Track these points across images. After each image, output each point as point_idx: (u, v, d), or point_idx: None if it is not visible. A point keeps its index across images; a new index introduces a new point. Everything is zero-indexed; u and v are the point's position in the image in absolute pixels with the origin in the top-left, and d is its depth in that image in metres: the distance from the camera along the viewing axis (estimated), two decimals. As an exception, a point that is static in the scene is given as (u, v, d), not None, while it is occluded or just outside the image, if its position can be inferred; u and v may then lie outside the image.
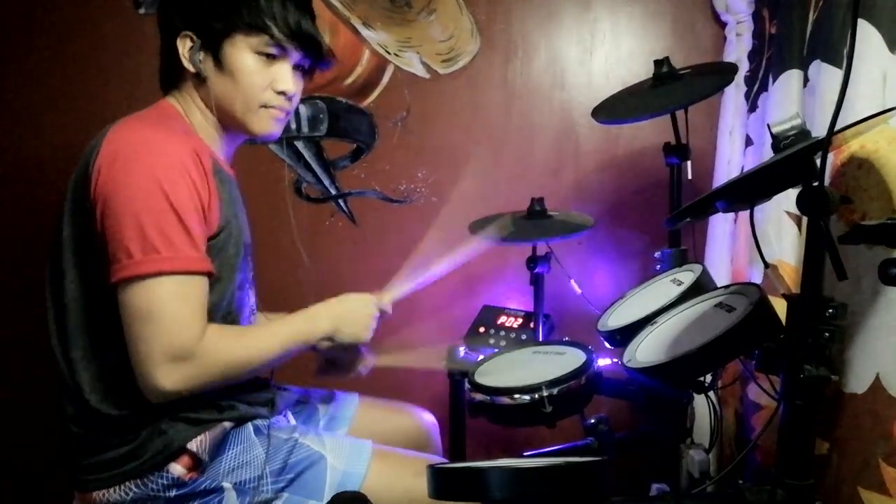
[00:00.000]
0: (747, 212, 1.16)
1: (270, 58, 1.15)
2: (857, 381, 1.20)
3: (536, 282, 1.65)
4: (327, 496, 1.12)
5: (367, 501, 1.00)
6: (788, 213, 1.47)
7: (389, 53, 2.03)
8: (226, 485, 1.11)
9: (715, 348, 0.99)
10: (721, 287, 1.25)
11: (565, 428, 1.28)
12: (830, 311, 0.96)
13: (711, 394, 1.34)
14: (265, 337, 1.14)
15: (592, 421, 1.35)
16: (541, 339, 1.64)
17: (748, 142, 1.77)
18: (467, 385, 1.31)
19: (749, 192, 1.08)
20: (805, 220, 1.01)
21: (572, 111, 2.03)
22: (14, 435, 2.01)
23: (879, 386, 1.15)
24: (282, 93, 1.17)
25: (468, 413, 1.31)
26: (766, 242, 1.47)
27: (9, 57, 1.99)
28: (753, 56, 1.81)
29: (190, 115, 1.18)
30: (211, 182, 1.10)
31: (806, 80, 1.48)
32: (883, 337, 1.16)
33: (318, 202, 2.06)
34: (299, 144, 2.04)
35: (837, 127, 0.88)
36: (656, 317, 1.24)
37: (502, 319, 1.80)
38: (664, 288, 1.39)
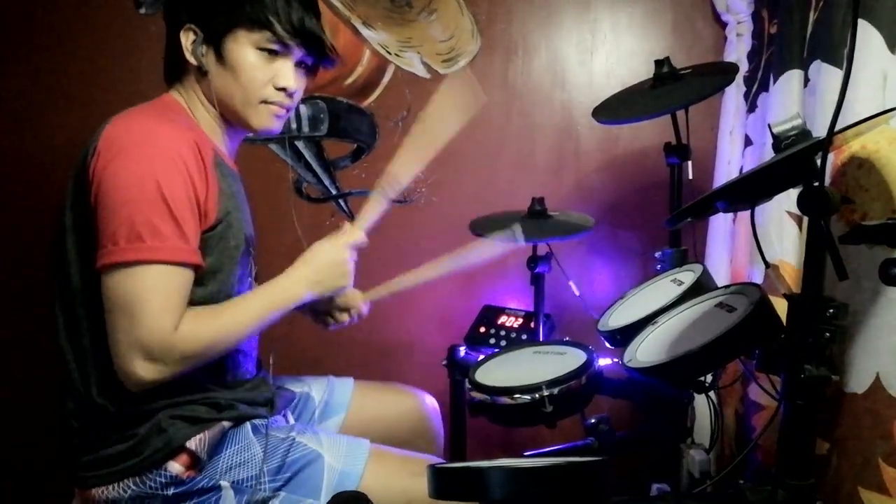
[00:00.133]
0: (747, 212, 1.16)
1: (272, 54, 1.15)
2: (858, 381, 1.20)
3: (537, 282, 1.64)
4: (325, 495, 1.12)
5: (367, 501, 1.00)
6: (789, 212, 1.47)
7: (390, 53, 2.03)
8: (223, 483, 1.11)
9: (716, 348, 0.99)
10: (721, 287, 1.25)
11: (566, 428, 1.28)
12: (831, 310, 0.96)
13: (712, 394, 1.34)
14: (241, 312, 1.12)
15: (593, 421, 1.35)
16: (541, 339, 1.64)
17: (747, 142, 1.77)
18: (467, 385, 1.31)
19: (750, 192, 1.08)
20: (806, 220, 1.01)
21: (573, 111, 2.03)
22: (14, 435, 2.01)
23: (880, 386, 1.15)
24: (282, 89, 1.17)
25: (468, 412, 1.31)
26: (768, 242, 1.47)
27: (9, 57, 1.99)
28: (752, 56, 1.81)
29: (193, 109, 1.18)
30: (210, 174, 1.10)
31: (806, 80, 1.48)
32: (883, 337, 1.16)
33: (319, 202, 2.06)
34: (300, 144, 2.04)
35: (838, 127, 0.88)
36: (657, 317, 1.24)
37: (503, 319, 1.80)
38: (664, 288, 1.39)
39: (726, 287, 1.22)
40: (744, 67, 1.81)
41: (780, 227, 1.48)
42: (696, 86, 1.49)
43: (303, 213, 2.05)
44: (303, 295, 1.17)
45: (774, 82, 1.57)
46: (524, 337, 1.72)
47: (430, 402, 1.48)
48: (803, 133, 0.98)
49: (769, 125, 1.01)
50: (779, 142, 0.99)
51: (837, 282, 0.94)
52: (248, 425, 1.17)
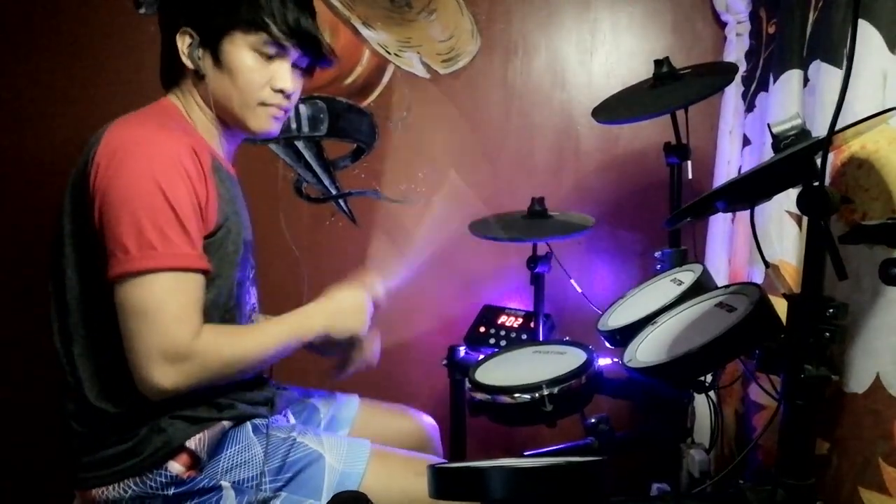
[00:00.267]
0: (747, 211, 1.16)
1: (269, 56, 1.15)
2: (858, 381, 1.20)
3: (537, 281, 1.64)
4: (325, 495, 1.12)
5: (367, 501, 1.00)
6: (789, 212, 1.47)
7: (389, 53, 2.03)
8: (224, 483, 1.11)
9: (715, 348, 0.99)
10: (721, 287, 1.25)
11: (566, 427, 1.28)
12: (831, 310, 0.96)
13: (712, 393, 1.33)
14: (260, 336, 1.13)
15: (593, 420, 1.35)
16: (541, 339, 1.64)
17: (745, 141, 1.77)
18: (468, 384, 1.31)
19: (749, 192, 1.09)
20: (806, 219, 1.01)
21: (572, 111, 2.03)
22: (14, 435, 2.01)
23: (880, 386, 1.15)
24: (280, 91, 1.17)
25: (469, 412, 1.31)
26: (767, 242, 1.47)
27: (9, 57, 1.99)
28: (750, 56, 1.81)
29: (190, 113, 1.18)
30: (209, 180, 1.10)
31: (806, 80, 1.48)
32: (883, 337, 1.15)
33: (318, 202, 2.06)
34: (299, 144, 2.04)
35: (837, 127, 0.88)
36: (657, 316, 1.24)
37: (503, 319, 1.80)
38: (664, 288, 1.39)
39: (726, 287, 1.22)
40: (742, 67, 1.81)
41: (780, 226, 1.48)
42: (695, 86, 1.49)
43: (303, 213, 2.05)
44: (319, 327, 1.17)
45: (774, 82, 1.57)
46: (524, 337, 1.72)
47: (430, 422, 1.49)
48: (803, 133, 0.98)
49: (769, 125, 1.01)
50: (778, 142, 0.99)
51: (837, 282, 0.94)
52: (248, 425, 1.16)
